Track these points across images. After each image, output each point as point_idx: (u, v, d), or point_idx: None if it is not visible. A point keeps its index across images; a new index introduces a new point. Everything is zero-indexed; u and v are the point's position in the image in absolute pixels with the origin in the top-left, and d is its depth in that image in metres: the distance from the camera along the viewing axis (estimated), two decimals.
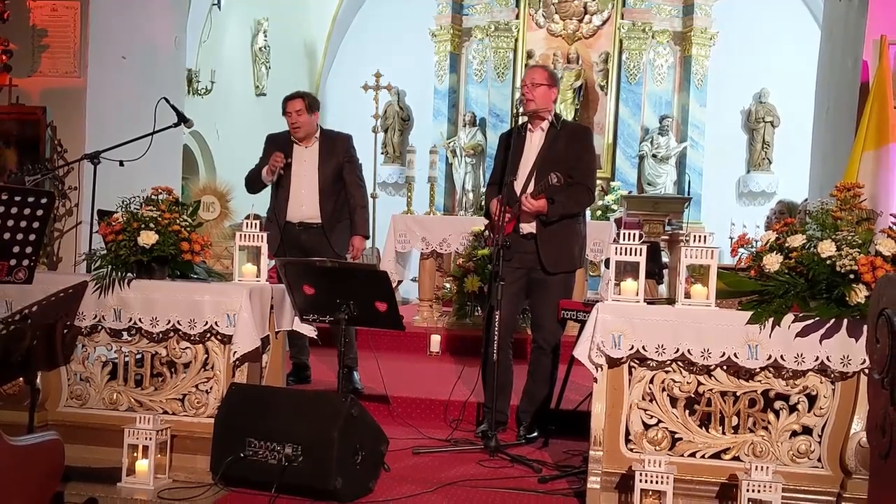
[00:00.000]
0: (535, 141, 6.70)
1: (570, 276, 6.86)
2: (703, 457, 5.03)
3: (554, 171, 6.31)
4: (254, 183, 7.84)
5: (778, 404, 4.98)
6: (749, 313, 4.87)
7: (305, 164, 7.72)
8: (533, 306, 6.85)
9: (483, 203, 7.04)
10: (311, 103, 7.72)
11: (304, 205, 7.68)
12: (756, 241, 5.17)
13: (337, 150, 7.77)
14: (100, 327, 5.82)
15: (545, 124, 6.70)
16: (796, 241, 4.88)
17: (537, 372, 6.75)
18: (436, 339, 10.07)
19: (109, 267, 5.73)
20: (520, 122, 6.75)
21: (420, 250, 10.90)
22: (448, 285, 11.37)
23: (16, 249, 4.90)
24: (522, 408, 6.81)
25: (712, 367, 4.99)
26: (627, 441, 5.11)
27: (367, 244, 8.39)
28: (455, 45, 17.85)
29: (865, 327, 3.67)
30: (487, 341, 6.52)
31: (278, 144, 7.80)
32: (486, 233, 7.13)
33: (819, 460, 4.94)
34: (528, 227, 6.61)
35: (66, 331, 5.84)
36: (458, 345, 9.96)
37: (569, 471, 5.86)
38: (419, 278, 11.29)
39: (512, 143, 6.66)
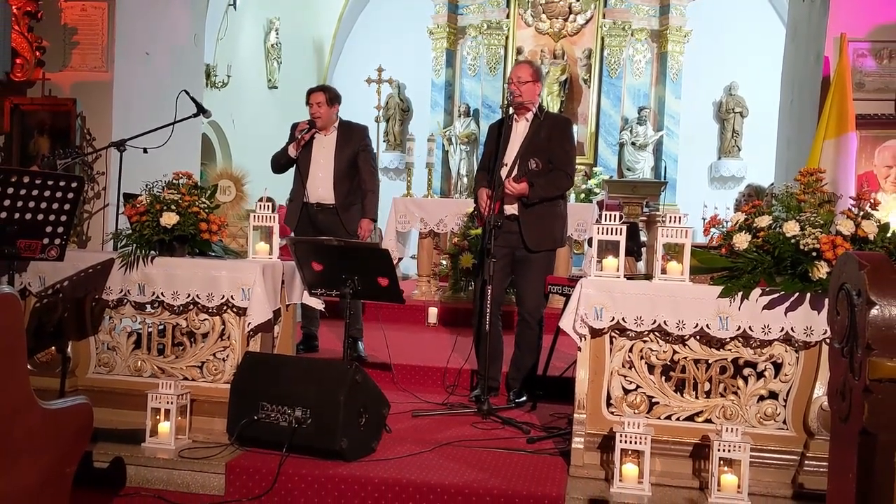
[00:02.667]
0: (519, 130, 6.70)
1: (552, 254, 6.86)
2: (678, 419, 5.02)
3: (535, 157, 6.33)
4: (279, 160, 7.89)
5: (746, 371, 4.97)
6: (720, 288, 4.86)
7: (324, 150, 7.78)
8: (517, 282, 6.84)
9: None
10: (331, 97, 7.78)
11: (321, 187, 7.73)
12: (726, 222, 5.16)
13: (353, 139, 7.82)
14: (125, 300, 5.80)
15: (530, 115, 6.71)
16: (763, 221, 4.86)
17: (523, 343, 6.76)
18: (433, 312, 10.08)
19: (134, 245, 5.71)
20: (509, 112, 6.74)
21: (419, 230, 10.93)
22: (444, 262, 11.38)
23: (48, 229, 4.90)
24: (511, 375, 6.81)
25: (686, 337, 4.98)
26: (609, 405, 5.10)
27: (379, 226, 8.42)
28: (451, 42, 17.81)
29: (827, 301, 3.66)
30: (480, 314, 6.52)
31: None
32: (476, 213, 7.13)
33: (784, 422, 4.93)
34: (512, 209, 6.61)
35: (94, 304, 5.87)
36: (453, 316, 9.96)
37: (555, 432, 5.86)
38: (418, 256, 11.31)
39: (501, 132, 6.67)
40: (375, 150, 15.54)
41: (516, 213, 6.60)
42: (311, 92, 7.84)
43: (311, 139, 7.78)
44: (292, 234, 7.53)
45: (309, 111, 7.75)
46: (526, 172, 6.37)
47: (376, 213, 7.92)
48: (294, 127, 7.87)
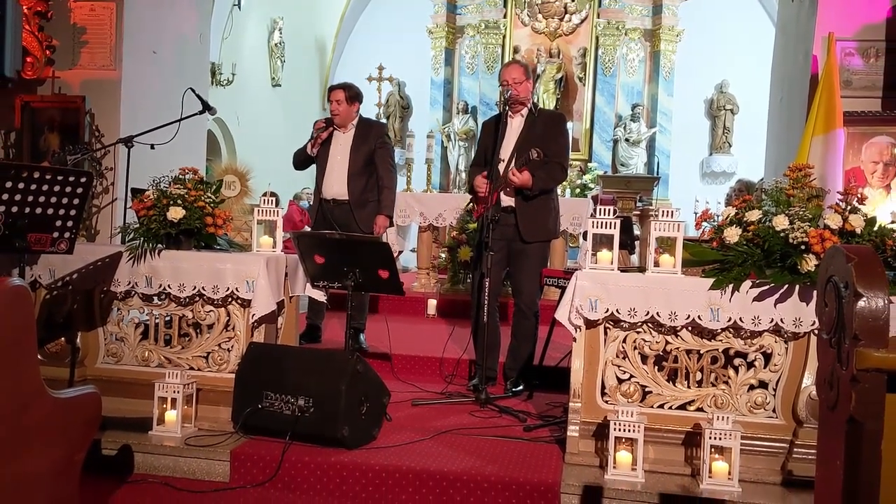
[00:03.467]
0: (515, 125, 6.71)
1: (547, 246, 6.89)
2: (670, 408, 5.02)
3: (535, 147, 6.34)
4: (299, 157, 7.87)
5: (737, 361, 4.97)
6: (711, 280, 4.85)
7: (340, 147, 7.73)
8: (513, 274, 6.82)
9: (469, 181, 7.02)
10: (351, 95, 7.73)
11: (336, 184, 7.69)
12: (717, 216, 5.16)
13: (371, 136, 7.75)
14: (133, 292, 5.80)
15: (525, 111, 6.72)
16: (753, 215, 4.86)
17: (520, 333, 6.76)
18: (432, 303, 10.08)
19: (142, 239, 5.70)
20: (505, 109, 6.74)
21: (418, 224, 10.95)
22: (443, 255, 11.41)
23: (58, 223, 4.90)
24: (508, 364, 6.81)
25: (678, 328, 4.98)
26: (603, 394, 5.10)
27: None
28: (449, 41, 17.82)
29: (815, 293, 3.66)
30: (478, 305, 6.53)
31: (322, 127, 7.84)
32: (471, 206, 7.11)
33: (774, 411, 4.93)
34: (509, 201, 6.61)
35: (102, 296, 5.86)
36: (452, 308, 9.95)
37: (551, 420, 5.86)
38: (417, 249, 11.33)
39: (497, 128, 6.67)
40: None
41: (513, 205, 6.60)
42: (331, 89, 7.82)
43: (330, 136, 7.76)
44: (307, 228, 7.53)
45: (329, 108, 7.74)
46: (526, 162, 6.36)
47: (392, 209, 7.87)
48: (315, 123, 7.88)
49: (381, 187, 7.75)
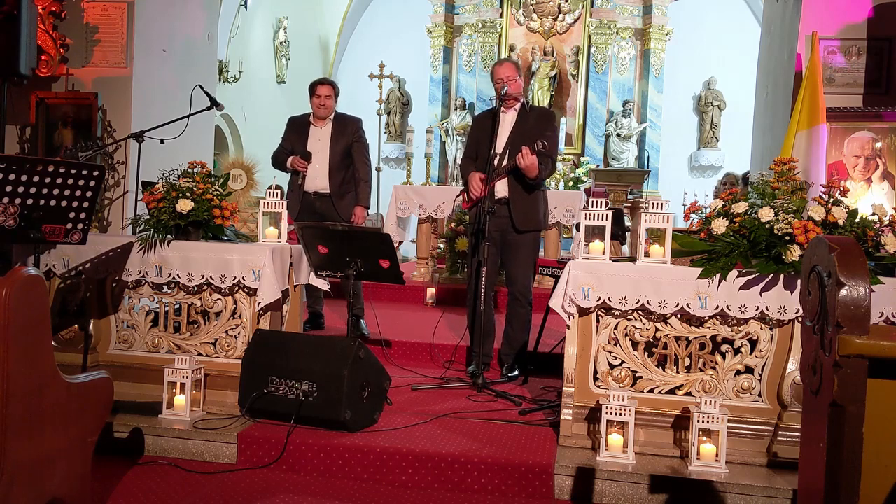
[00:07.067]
0: (508, 119, 6.71)
1: (538, 236, 6.89)
2: (660, 392, 5.02)
3: (533, 141, 6.32)
4: (280, 165, 7.86)
5: (724, 347, 4.97)
6: (699, 269, 4.85)
7: (319, 142, 7.73)
8: (507, 263, 6.82)
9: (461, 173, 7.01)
10: (337, 91, 7.78)
11: (318, 177, 7.71)
12: (705, 208, 5.16)
13: (347, 131, 7.77)
14: (143, 281, 5.80)
15: (518, 105, 6.73)
16: (740, 207, 4.86)
17: (515, 320, 6.76)
18: (431, 292, 10.08)
19: (152, 230, 5.71)
20: (498, 104, 6.72)
21: (418, 215, 10.93)
22: (441, 246, 11.39)
23: (72, 215, 4.88)
24: (504, 351, 6.82)
25: (668, 316, 4.98)
26: (595, 379, 5.10)
27: (370, 212, 8.42)
28: (448, 40, 17.79)
29: (799, 282, 3.65)
30: (475, 294, 6.53)
31: (297, 126, 7.88)
32: (458, 199, 7.08)
33: (759, 395, 4.93)
34: (503, 192, 6.62)
35: (114, 284, 5.86)
36: (450, 296, 9.96)
37: (545, 404, 5.87)
38: (417, 240, 11.32)
39: (492, 123, 6.65)
40: (377, 142, 15.58)
41: (507, 195, 6.61)
42: (319, 83, 7.78)
43: (307, 129, 7.79)
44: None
45: (315, 102, 7.71)
46: (532, 151, 6.35)
47: (369, 201, 7.90)
48: (290, 121, 7.94)
49: (357, 180, 7.80)
